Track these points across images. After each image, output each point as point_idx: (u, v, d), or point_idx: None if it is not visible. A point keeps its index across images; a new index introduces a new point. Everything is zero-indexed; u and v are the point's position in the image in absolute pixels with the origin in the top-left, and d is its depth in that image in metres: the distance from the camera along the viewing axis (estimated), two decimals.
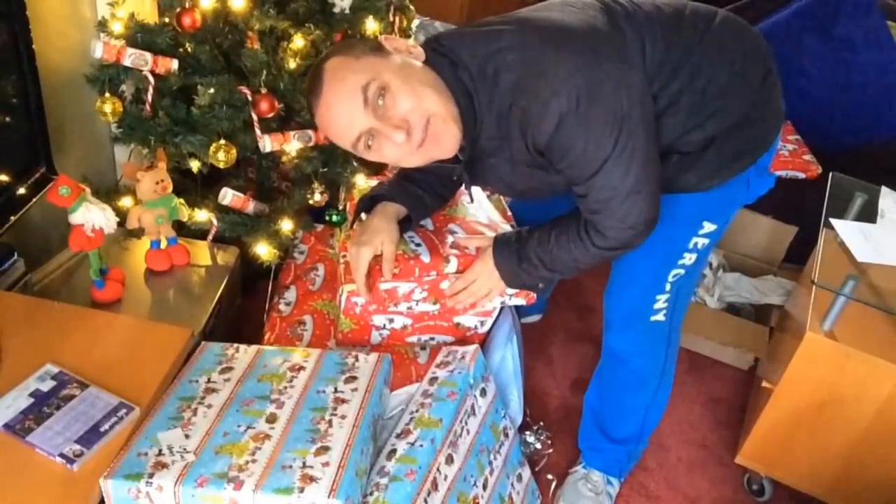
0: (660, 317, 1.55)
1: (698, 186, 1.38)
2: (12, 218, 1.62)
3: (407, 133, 1.22)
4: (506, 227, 1.66)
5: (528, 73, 1.21)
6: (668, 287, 1.51)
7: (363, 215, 1.57)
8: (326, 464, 1.19)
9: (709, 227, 1.45)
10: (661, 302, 1.52)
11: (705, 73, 1.31)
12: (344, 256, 1.69)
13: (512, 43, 1.24)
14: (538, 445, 1.87)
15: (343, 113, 1.23)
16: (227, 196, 1.79)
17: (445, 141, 1.25)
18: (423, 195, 1.57)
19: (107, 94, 1.71)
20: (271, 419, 1.29)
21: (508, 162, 1.33)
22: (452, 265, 1.54)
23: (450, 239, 1.60)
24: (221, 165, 1.74)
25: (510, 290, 1.59)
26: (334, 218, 1.85)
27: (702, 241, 1.47)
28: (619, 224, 1.30)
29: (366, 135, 1.24)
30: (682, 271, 1.49)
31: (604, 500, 1.76)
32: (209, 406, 1.32)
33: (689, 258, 1.48)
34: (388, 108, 1.21)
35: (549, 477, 1.83)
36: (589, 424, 1.80)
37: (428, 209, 1.61)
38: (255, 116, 1.72)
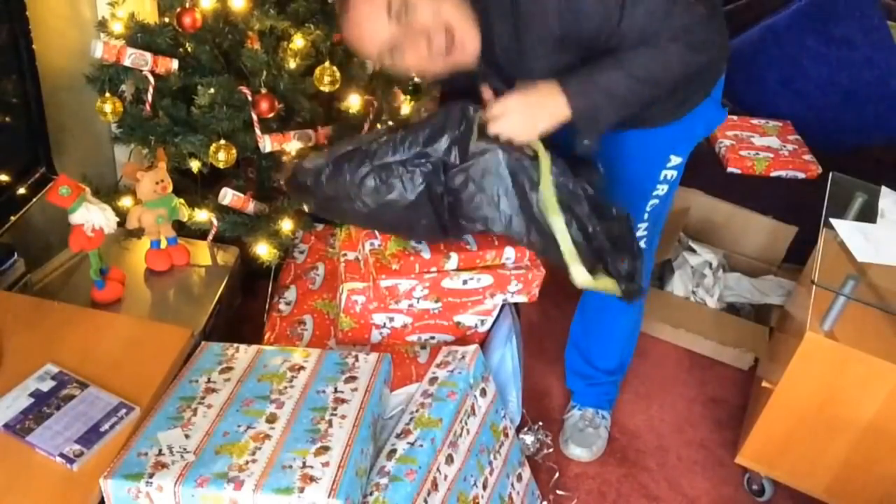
0: (641, 244, 1.69)
1: (663, 121, 1.52)
2: (12, 218, 1.62)
3: (427, 40, 1.30)
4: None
5: None
6: (646, 216, 1.67)
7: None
8: (326, 464, 1.20)
9: (675, 160, 1.59)
10: (642, 230, 1.69)
11: None
12: (344, 255, 1.69)
13: None
14: (537, 445, 1.87)
15: (368, 26, 1.33)
16: (227, 196, 1.79)
17: (468, 47, 1.34)
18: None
19: (107, 94, 1.71)
20: (271, 419, 1.29)
21: (534, 58, 1.39)
22: (453, 261, 1.54)
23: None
24: (221, 165, 1.74)
25: (514, 283, 1.60)
26: None
27: (670, 173, 1.62)
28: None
29: (389, 45, 1.32)
30: (656, 201, 1.66)
31: (603, 432, 1.95)
32: (209, 406, 1.32)
33: (661, 189, 1.64)
34: (410, 19, 1.29)
35: (553, 466, 1.84)
36: (576, 359, 1.97)
37: None
38: (255, 116, 1.73)
